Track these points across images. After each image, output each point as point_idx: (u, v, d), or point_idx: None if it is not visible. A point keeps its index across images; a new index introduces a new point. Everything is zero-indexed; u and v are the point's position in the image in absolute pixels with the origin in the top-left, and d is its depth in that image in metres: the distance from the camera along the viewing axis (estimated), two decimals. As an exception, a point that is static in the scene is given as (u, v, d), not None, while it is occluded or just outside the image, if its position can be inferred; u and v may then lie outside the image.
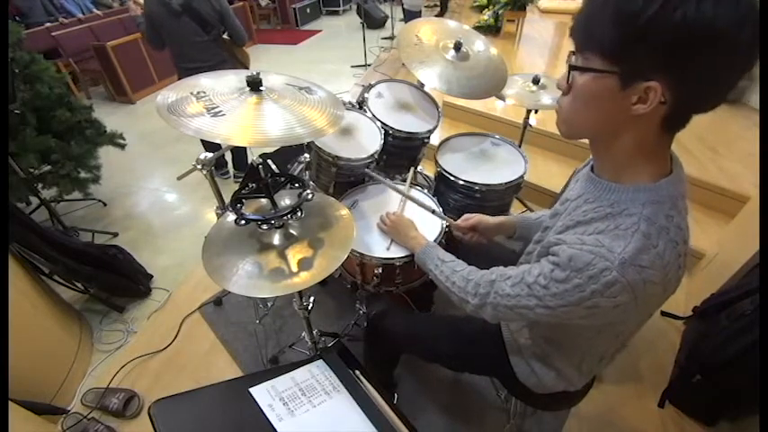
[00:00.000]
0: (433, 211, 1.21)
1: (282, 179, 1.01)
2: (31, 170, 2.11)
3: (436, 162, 1.52)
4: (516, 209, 2.07)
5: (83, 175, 2.37)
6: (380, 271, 1.19)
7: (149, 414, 0.70)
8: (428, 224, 1.24)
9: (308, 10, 7.56)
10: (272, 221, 0.89)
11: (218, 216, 1.28)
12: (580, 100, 0.59)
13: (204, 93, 0.88)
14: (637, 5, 0.47)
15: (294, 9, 7.23)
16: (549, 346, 0.85)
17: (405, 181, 1.39)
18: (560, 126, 0.64)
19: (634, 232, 0.56)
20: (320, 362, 0.89)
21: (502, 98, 1.63)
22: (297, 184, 1.00)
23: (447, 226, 1.23)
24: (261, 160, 0.97)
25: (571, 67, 0.57)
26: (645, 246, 0.56)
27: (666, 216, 0.58)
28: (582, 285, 0.58)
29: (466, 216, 1.14)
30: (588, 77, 0.56)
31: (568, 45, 0.59)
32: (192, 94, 0.87)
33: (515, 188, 1.48)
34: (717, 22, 0.45)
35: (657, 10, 0.46)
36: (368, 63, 4.85)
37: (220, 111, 0.83)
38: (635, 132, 0.57)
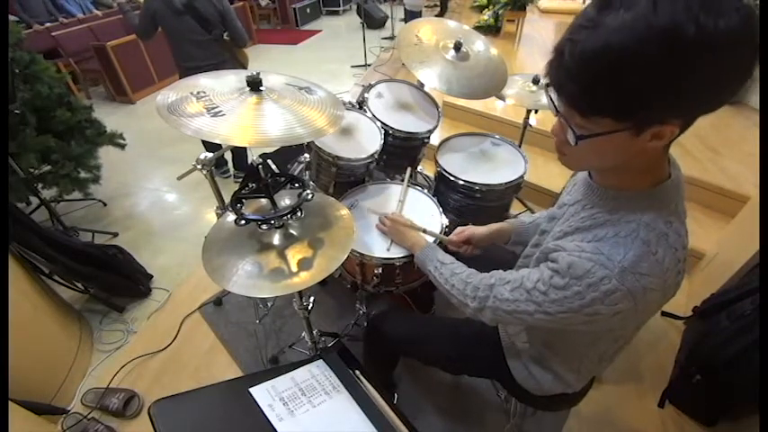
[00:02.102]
0: (424, 231, 1.16)
1: (282, 179, 1.01)
2: (31, 170, 2.11)
3: (436, 162, 1.51)
4: (516, 209, 2.07)
5: (83, 175, 2.37)
6: (380, 271, 1.19)
7: (149, 414, 0.70)
8: (428, 224, 1.23)
9: (308, 10, 7.56)
10: (272, 221, 0.89)
11: (218, 216, 1.28)
12: (593, 152, 0.56)
13: (204, 93, 0.88)
14: (622, 62, 0.44)
15: (294, 9, 7.22)
16: (547, 350, 0.85)
17: (403, 181, 1.39)
18: (562, 161, 0.62)
19: (633, 239, 0.56)
20: (320, 362, 0.89)
21: (502, 98, 1.63)
22: (297, 184, 1.00)
23: (446, 226, 1.23)
24: (261, 160, 0.97)
25: (579, 137, 0.53)
26: (644, 253, 0.55)
27: (666, 222, 0.58)
28: (582, 293, 0.58)
29: (458, 230, 1.12)
30: (598, 139, 0.52)
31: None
32: (192, 93, 0.87)
33: (515, 188, 1.48)
34: (730, 36, 0.41)
35: (655, 68, 0.43)
36: (368, 63, 4.85)
37: (220, 111, 0.83)
38: (643, 157, 0.56)
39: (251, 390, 0.77)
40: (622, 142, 0.52)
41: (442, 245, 1.11)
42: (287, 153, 2.48)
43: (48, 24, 4.40)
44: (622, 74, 0.44)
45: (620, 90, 0.46)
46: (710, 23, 0.40)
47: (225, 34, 2.30)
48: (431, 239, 1.13)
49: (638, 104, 0.47)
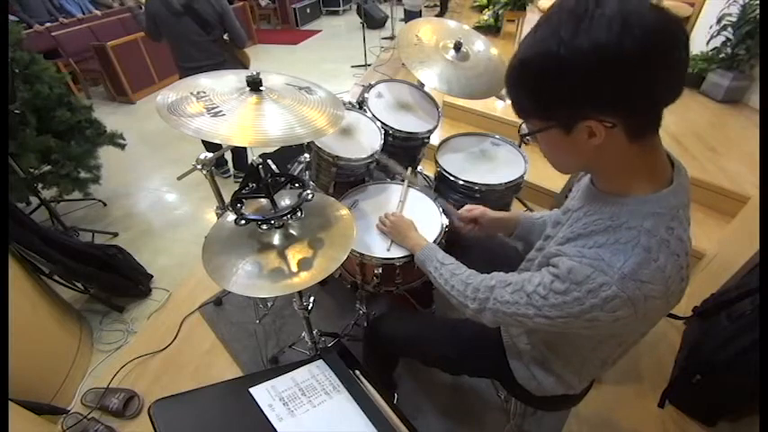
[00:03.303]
0: (436, 198, 1.20)
1: (282, 179, 1.01)
2: (31, 170, 2.11)
3: (436, 162, 1.51)
4: (516, 209, 2.07)
5: (83, 175, 2.37)
6: (380, 271, 1.18)
7: (149, 414, 0.70)
8: (428, 224, 1.23)
9: (308, 10, 7.56)
10: (272, 221, 0.89)
11: (218, 216, 1.28)
12: (549, 150, 0.64)
13: (204, 93, 0.88)
14: (529, 70, 0.54)
15: (294, 9, 7.22)
16: (550, 352, 0.85)
17: (404, 181, 1.39)
18: (553, 166, 0.68)
19: (634, 246, 0.56)
20: (320, 362, 0.89)
21: (502, 98, 1.63)
22: (297, 184, 1.00)
23: (446, 226, 1.23)
24: (261, 160, 0.97)
25: (521, 136, 0.66)
26: (645, 260, 0.55)
27: (667, 228, 0.57)
28: (581, 299, 0.58)
29: (469, 206, 1.12)
30: (541, 135, 0.61)
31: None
32: (192, 94, 0.87)
33: (515, 188, 1.48)
34: (599, 51, 0.48)
35: (550, 63, 0.51)
36: (368, 63, 4.85)
37: (220, 111, 0.83)
38: (609, 155, 0.58)
39: (251, 390, 0.77)
40: (562, 139, 0.58)
41: (446, 233, 1.11)
42: (287, 153, 2.48)
43: (48, 24, 4.40)
44: (526, 81, 0.56)
45: (530, 94, 0.57)
46: (575, 42, 0.48)
47: (224, 35, 2.31)
48: (431, 239, 1.13)
49: (546, 105, 0.57)
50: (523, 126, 0.64)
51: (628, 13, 0.47)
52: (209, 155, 1.11)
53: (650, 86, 0.51)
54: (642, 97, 0.52)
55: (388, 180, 1.47)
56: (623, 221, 0.59)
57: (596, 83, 0.50)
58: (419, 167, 1.81)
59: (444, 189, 1.51)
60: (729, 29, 2.85)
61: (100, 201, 2.72)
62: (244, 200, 0.94)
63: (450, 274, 0.88)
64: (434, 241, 1.17)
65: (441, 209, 1.29)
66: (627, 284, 0.55)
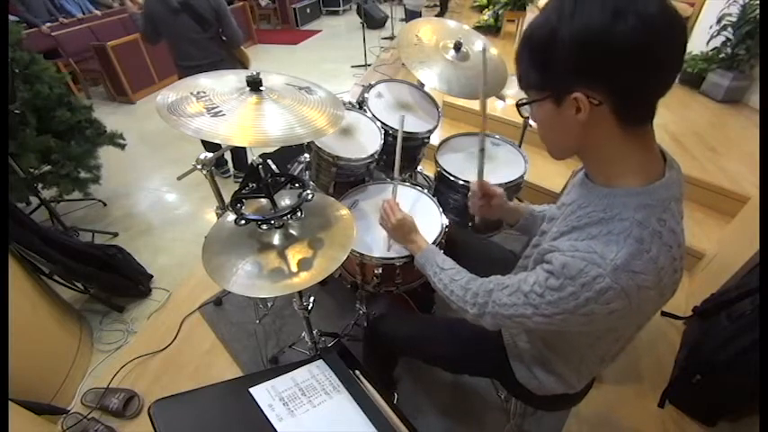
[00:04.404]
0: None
1: (282, 179, 1.01)
2: (31, 170, 2.11)
3: (436, 162, 1.51)
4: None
5: (83, 175, 2.37)
6: (380, 271, 1.18)
7: (149, 414, 0.70)
8: (428, 224, 1.23)
9: (308, 10, 7.56)
10: (272, 221, 0.89)
11: (218, 216, 1.28)
12: (543, 126, 0.67)
13: (204, 93, 0.88)
14: (532, 40, 0.58)
15: (294, 9, 7.22)
16: (549, 351, 0.85)
17: (404, 181, 1.39)
18: (549, 151, 0.70)
19: (626, 237, 0.56)
20: (320, 362, 0.89)
21: (502, 98, 1.63)
22: (297, 184, 1.00)
23: (446, 226, 1.23)
24: (261, 160, 0.97)
25: (517, 104, 0.68)
26: (638, 251, 0.55)
27: (659, 220, 0.58)
28: (576, 293, 0.58)
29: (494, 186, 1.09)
30: (535, 107, 0.65)
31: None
32: (191, 94, 0.87)
33: (515, 188, 1.48)
34: (588, 30, 0.51)
35: (548, 35, 0.54)
36: (368, 63, 4.85)
37: (220, 111, 0.83)
38: (599, 137, 0.60)
39: (251, 390, 0.77)
40: (553, 115, 0.61)
41: (446, 233, 1.08)
42: (287, 153, 2.48)
43: (48, 24, 4.40)
44: (526, 50, 0.60)
45: (529, 64, 0.61)
46: (573, 18, 0.52)
47: (221, 33, 2.31)
48: (430, 239, 1.13)
49: (540, 75, 0.60)
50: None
51: (629, 1, 0.49)
52: (209, 155, 1.11)
53: (636, 71, 0.52)
54: (628, 81, 0.54)
55: (388, 180, 1.47)
56: (616, 213, 0.59)
57: (583, 58, 0.53)
58: (419, 167, 1.81)
59: (444, 189, 1.51)
60: (729, 29, 2.85)
61: (100, 201, 2.72)
62: (244, 200, 0.94)
63: (450, 279, 0.88)
64: (434, 241, 1.17)
65: (441, 209, 1.29)
66: (620, 276, 0.55)
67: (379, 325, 1.13)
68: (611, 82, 0.54)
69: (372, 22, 6.42)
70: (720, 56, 2.95)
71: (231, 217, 0.93)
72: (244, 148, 2.60)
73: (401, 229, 1.13)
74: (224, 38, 2.33)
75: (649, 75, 0.53)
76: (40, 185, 2.22)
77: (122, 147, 2.65)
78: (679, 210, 0.62)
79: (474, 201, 1.07)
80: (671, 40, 0.52)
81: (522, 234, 1.07)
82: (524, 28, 0.61)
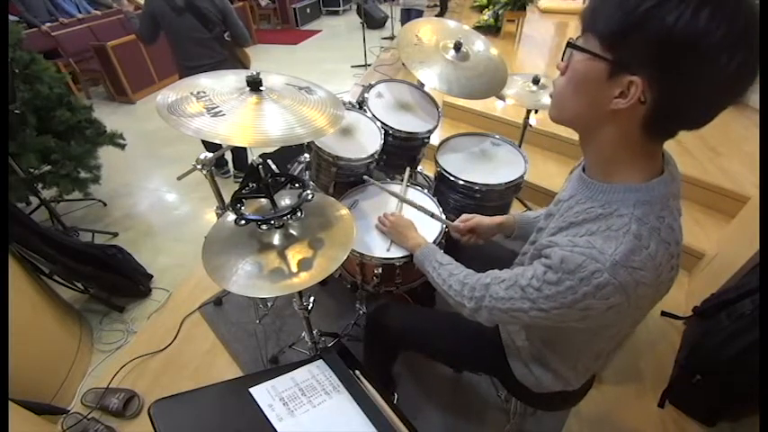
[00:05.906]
0: (432, 215, 1.22)
1: (282, 179, 1.01)
2: (31, 170, 2.11)
3: (436, 162, 1.51)
4: (516, 209, 2.07)
5: (83, 175, 2.37)
6: (380, 271, 1.19)
7: (149, 414, 0.70)
8: (427, 224, 1.24)
9: (308, 10, 7.56)
10: (272, 221, 0.89)
11: (218, 216, 1.28)
12: (572, 82, 0.60)
13: (204, 93, 0.88)
14: (632, 6, 0.49)
15: (294, 9, 7.23)
16: (546, 348, 0.86)
17: (402, 181, 1.39)
18: (551, 110, 0.66)
19: (625, 233, 0.56)
20: (320, 362, 0.89)
21: (502, 98, 1.63)
22: (297, 184, 1.00)
23: (446, 226, 1.23)
24: (261, 160, 0.97)
25: (569, 44, 0.59)
26: (636, 247, 0.56)
27: (658, 217, 0.58)
28: (574, 287, 0.58)
29: (464, 217, 1.13)
30: (583, 58, 0.57)
31: (568, 45, 0.59)
32: (192, 93, 0.87)
33: (515, 188, 1.48)
34: (704, 38, 0.46)
35: (656, 5, 0.47)
36: (368, 63, 4.85)
37: (220, 111, 0.83)
38: (616, 128, 0.58)
39: (251, 390, 0.77)
40: (597, 82, 0.55)
41: (446, 233, 1.12)
42: (287, 153, 2.49)
43: (48, 24, 4.40)
44: (626, 5, 0.50)
45: (622, 14, 0.50)
46: (675, 12, 0.46)
47: (225, 34, 2.31)
48: (430, 239, 1.13)
49: (621, 38, 0.51)
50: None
51: (728, 9, 0.46)
52: (209, 155, 1.11)
53: (711, 94, 0.51)
54: (694, 96, 0.52)
55: (388, 180, 1.47)
56: (615, 209, 0.59)
57: (672, 53, 0.49)
58: (419, 167, 1.81)
59: (444, 189, 1.51)
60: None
61: (100, 201, 2.72)
62: (244, 200, 0.94)
63: (448, 274, 0.88)
64: (434, 241, 1.17)
65: (441, 209, 1.29)
66: (618, 271, 0.55)
67: (380, 316, 1.14)
68: (675, 90, 0.51)
69: (372, 22, 6.43)
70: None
71: (231, 217, 0.93)
72: (244, 149, 2.61)
73: (397, 227, 1.14)
74: (229, 38, 2.33)
75: (716, 105, 0.53)
76: (40, 185, 2.23)
77: (122, 147, 2.65)
78: (677, 207, 0.62)
79: (462, 240, 1.12)
80: (751, 86, 0.52)
81: (523, 241, 1.08)
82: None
